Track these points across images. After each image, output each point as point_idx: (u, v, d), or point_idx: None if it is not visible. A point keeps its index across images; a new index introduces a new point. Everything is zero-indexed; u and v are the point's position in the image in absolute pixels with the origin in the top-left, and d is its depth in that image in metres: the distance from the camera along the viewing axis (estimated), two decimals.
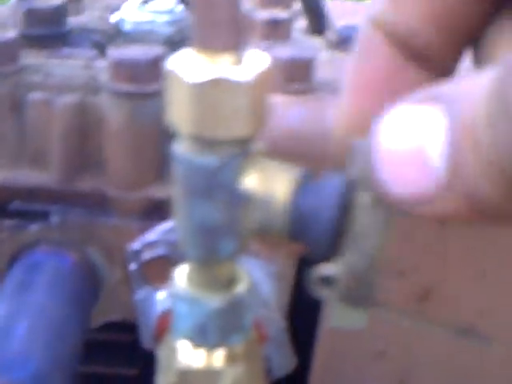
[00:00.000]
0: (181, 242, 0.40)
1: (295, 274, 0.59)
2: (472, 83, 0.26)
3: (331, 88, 0.61)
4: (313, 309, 0.60)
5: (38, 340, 0.51)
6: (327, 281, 0.35)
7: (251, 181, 0.37)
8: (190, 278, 0.40)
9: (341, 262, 0.35)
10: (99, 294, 0.59)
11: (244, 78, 0.34)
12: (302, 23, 0.72)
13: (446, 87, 0.27)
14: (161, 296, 0.54)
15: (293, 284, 0.60)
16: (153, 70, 0.55)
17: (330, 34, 0.69)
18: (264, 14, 0.65)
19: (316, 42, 0.69)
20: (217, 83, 0.34)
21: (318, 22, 0.71)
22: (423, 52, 0.33)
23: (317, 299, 0.58)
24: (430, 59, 0.33)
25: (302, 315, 0.59)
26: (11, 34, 0.56)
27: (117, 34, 0.67)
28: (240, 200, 0.37)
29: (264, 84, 0.35)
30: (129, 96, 0.55)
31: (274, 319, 0.54)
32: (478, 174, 0.25)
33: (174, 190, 0.39)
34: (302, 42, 0.68)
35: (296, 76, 0.58)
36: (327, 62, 0.64)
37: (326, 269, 0.35)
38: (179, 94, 0.35)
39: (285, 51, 0.59)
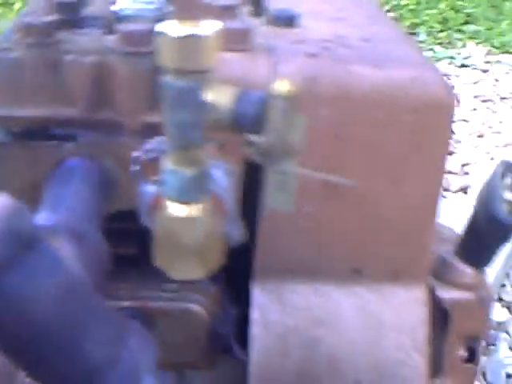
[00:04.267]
0: (168, 138, 0.52)
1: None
2: None
3: (265, 49, 0.72)
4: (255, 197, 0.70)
5: (78, 208, 0.61)
6: (255, 144, 0.49)
7: (208, 95, 0.51)
8: (173, 161, 0.53)
9: (263, 137, 0.49)
10: (115, 191, 0.69)
11: (204, 34, 0.47)
12: (248, 8, 0.83)
13: None
14: (152, 187, 0.63)
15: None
16: (147, 37, 0.65)
17: (267, 15, 0.80)
18: (220, 1, 0.75)
19: (257, 20, 0.79)
20: (188, 37, 0.47)
21: (258, 7, 0.83)
22: None
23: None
24: None
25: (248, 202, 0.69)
26: (49, 17, 0.67)
27: (117, 19, 0.76)
28: (202, 107, 0.51)
29: (216, 38, 0.48)
30: (132, 54, 0.65)
31: (231, 201, 0.63)
32: None
33: (162, 106, 0.51)
34: (247, 21, 0.78)
35: (239, 39, 0.69)
36: (264, 33, 0.75)
37: (255, 137, 0.49)
38: (166, 44, 0.48)
39: (233, 23, 0.70)
